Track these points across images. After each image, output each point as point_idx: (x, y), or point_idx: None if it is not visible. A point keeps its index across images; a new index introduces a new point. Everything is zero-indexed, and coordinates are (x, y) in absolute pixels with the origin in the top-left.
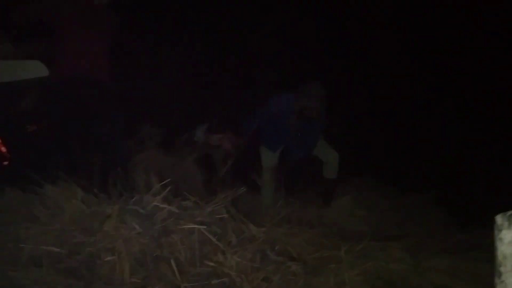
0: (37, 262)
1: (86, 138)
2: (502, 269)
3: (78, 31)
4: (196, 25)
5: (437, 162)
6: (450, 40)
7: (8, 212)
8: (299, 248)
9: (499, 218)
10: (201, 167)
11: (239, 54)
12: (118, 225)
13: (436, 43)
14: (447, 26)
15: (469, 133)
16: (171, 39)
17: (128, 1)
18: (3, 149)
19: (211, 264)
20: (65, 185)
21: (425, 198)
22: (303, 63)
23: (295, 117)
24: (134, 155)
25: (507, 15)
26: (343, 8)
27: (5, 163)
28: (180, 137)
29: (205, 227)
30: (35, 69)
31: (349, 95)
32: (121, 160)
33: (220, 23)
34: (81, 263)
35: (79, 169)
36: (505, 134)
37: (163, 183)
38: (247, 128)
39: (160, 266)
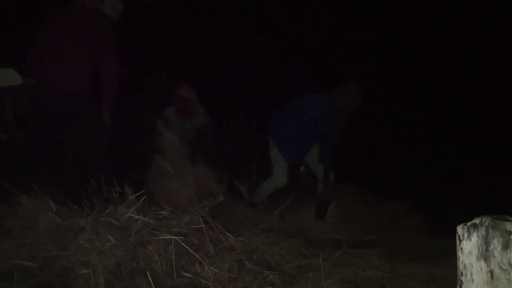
0: (8, 277)
1: (60, 150)
2: (463, 278)
3: (62, 40)
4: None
5: (415, 169)
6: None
7: None
8: (278, 257)
9: (459, 229)
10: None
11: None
12: (92, 237)
13: (421, 47)
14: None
15: (447, 141)
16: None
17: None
18: None
19: (188, 275)
20: (38, 197)
21: (403, 205)
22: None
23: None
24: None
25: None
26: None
27: None
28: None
29: (181, 237)
30: (9, 78)
31: None
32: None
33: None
34: (55, 277)
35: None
36: (483, 142)
37: (138, 194)
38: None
39: (136, 278)
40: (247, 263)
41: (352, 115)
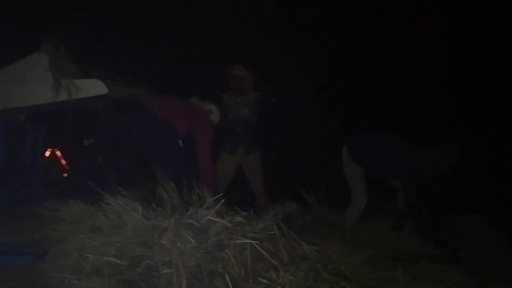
0: (99, 272)
1: (142, 154)
2: None
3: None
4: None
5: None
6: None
7: (73, 223)
8: (353, 268)
9: None
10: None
11: None
12: (175, 238)
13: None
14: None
15: None
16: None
17: None
18: (63, 161)
19: (264, 281)
20: (124, 199)
21: (483, 219)
22: None
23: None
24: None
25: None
26: None
27: (65, 175)
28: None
29: (258, 243)
30: (96, 88)
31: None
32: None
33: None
34: (140, 275)
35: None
36: None
37: (216, 197)
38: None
39: (215, 280)
40: (323, 272)
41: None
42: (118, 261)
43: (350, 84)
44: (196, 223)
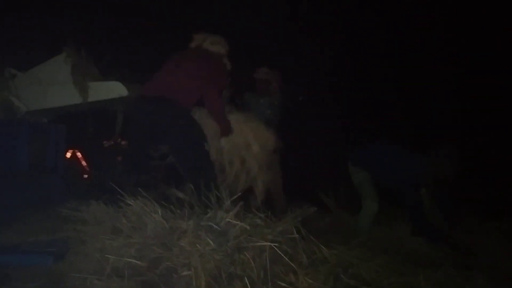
0: (119, 273)
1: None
2: None
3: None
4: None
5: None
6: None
7: (94, 224)
8: (373, 273)
9: None
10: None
11: None
12: (194, 240)
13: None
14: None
15: None
16: None
17: None
18: (84, 163)
19: (283, 284)
20: (144, 201)
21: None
22: None
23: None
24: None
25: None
26: None
27: (85, 176)
28: None
29: (277, 245)
30: (116, 90)
31: None
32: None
33: None
34: (159, 276)
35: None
36: None
37: (233, 198)
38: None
39: (234, 283)
40: (342, 276)
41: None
42: (138, 262)
43: (368, 86)
44: (215, 226)
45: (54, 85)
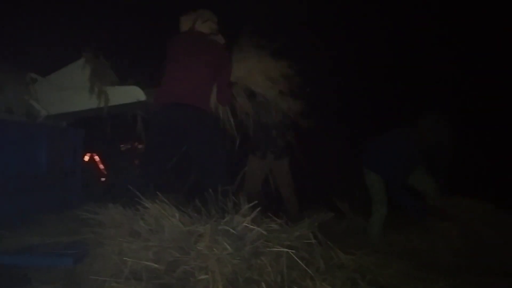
0: (137, 276)
1: (180, 160)
2: None
3: (184, 60)
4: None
5: None
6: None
7: (112, 227)
8: (391, 279)
9: None
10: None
11: None
12: (211, 244)
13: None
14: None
15: None
16: None
17: None
18: (102, 166)
19: None
20: (161, 204)
21: None
22: None
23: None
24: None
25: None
26: None
27: (103, 179)
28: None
29: (294, 251)
30: (134, 94)
31: None
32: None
33: None
34: (177, 280)
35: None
36: None
37: (251, 204)
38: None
39: None
40: (360, 282)
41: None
42: (156, 265)
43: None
44: (232, 230)
45: (73, 90)
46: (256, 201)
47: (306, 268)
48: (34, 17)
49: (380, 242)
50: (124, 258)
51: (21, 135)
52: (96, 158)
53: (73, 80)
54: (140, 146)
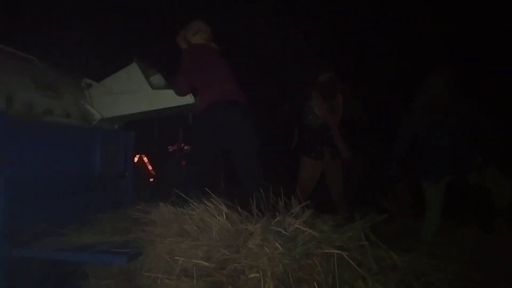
0: (188, 273)
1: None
2: None
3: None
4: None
5: None
6: None
7: (163, 226)
8: (446, 282)
9: None
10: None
11: None
12: (262, 243)
13: None
14: None
15: None
16: None
17: None
18: (150, 167)
19: None
20: (209, 203)
21: None
22: None
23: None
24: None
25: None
26: None
27: (151, 180)
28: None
29: (345, 252)
30: (183, 97)
31: None
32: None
33: None
34: (227, 277)
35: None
36: None
37: (302, 205)
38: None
39: (302, 287)
40: (415, 284)
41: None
42: (206, 263)
43: None
44: (283, 231)
45: (125, 94)
46: (308, 202)
47: (358, 269)
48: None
49: (434, 243)
50: (175, 257)
51: (77, 138)
52: (145, 159)
53: (125, 85)
54: (186, 148)
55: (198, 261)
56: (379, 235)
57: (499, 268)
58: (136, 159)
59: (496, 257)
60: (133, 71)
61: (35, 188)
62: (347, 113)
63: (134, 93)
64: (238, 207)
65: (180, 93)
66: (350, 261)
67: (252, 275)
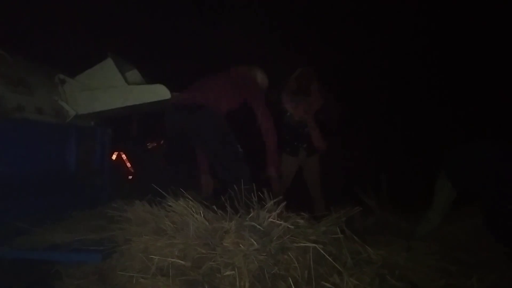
0: (164, 272)
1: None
2: None
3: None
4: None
5: None
6: None
7: (139, 224)
8: (422, 275)
9: None
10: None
11: None
12: (237, 240)
13: None
14: None
15: None
16: None
17: None
18: (128, 165)
19: (328, 285)
20: (186, 202)
21: None
22: None
23: None
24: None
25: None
26: None
27: (130, 177)
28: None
29: (321, 246)
30: (159, 93)
31: None
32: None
33: None
34: (203, 276)
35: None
36: None
37: (276, 200)
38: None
39: (278, 284)
40: (389, 278)
41: None
42: (182, 262)
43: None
44: (258, 226)
45: (100, 90)
46: (281, 197)
47: (334, 263)
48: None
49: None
50: (151, 256)
51: (50, 135)
52: (123, 156)
53: (100, 80)
54: (165, 145)
55: (173, 260)
56: (355, 230)
57: (480, 261)
58: (114, 157)
59: (479, 250)
60: (108, 66)
61: (6, 186)
62: (325, 110)
63: (109, 89)
64: (214, 206)
65: None
66: (326, 255)
67: (228, 272)
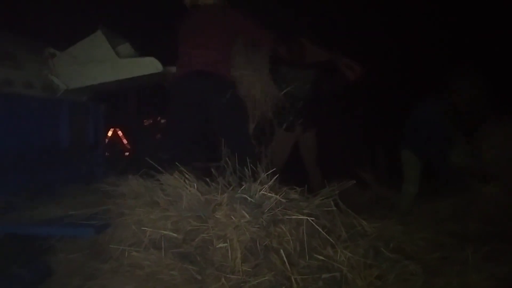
0: (156, 245)
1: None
2: None
3: (197, 32)
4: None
5: None
6: None
7: (132, 198)
8: (416, 247)
9: None
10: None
11: None
12: (229, 213)
13: None
14: None
15: None
16: None
17: None
18: (125, 141)
19: (321, 257)
20: (180, 175)
21: None
22: None
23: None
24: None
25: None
26: None
27: (127, 153)
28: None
29: (313, 219)
30: (151, 66)
31: None
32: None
33: None
34: (196, 248)
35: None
36: None
37: (269, 172)
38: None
39: (270, 255)
40: (383, 250)
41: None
42: (175, 234)
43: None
44: (250, 198)
45: (91, 63)
46: (274, 169)
47: (327, 236)
48: None
49: (408, 213)
50: (143, 228)
51: (41, 110)
52: (120, 133)
53: (90, 54)
54: (162, 121)
55: (166, 232)
56: (351, 204)
57: (473, 232)
58: (110, 133)
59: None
60: (99, 39)
61: None
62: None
63: (100, 62)
64: (208, 179)
65: None
66: (319, 228)
67: (220, 245)
